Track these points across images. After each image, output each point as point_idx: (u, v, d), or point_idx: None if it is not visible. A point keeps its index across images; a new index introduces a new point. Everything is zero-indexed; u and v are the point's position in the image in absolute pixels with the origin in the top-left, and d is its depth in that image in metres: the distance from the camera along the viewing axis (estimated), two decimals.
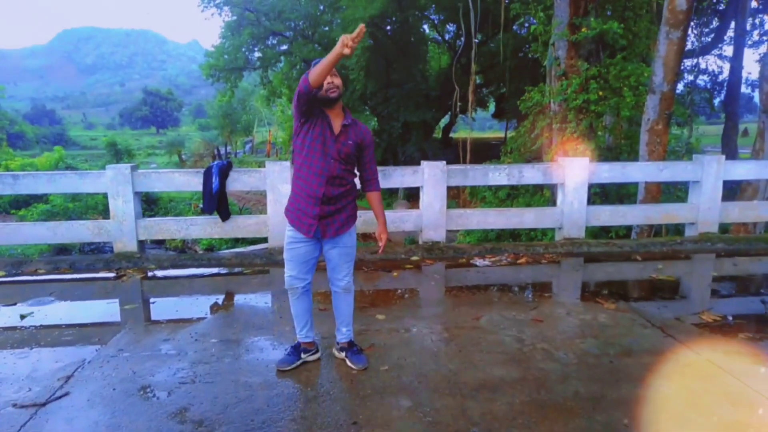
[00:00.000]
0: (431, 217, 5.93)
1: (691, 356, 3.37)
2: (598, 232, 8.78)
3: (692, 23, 13.19)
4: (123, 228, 5.65)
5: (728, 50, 16.83)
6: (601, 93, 9.53)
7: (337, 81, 2.97)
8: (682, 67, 10.91)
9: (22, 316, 4.16)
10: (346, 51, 2.61)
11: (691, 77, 15.89)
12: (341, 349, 3.34)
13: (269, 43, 22.18)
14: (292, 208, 3.14)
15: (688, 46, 13.81)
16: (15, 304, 4.48)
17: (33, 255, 13.35)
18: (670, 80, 7.85)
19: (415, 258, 5.70)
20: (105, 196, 5.74)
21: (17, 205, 23.23)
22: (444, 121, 27.49)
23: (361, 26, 2.64)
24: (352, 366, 3.22)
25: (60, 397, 2.92)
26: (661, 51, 7.78)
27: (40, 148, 55.16)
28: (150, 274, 5.35)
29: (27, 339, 3.74)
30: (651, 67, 8.35)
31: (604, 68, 9.75)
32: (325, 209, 3.04)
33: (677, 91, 9.87)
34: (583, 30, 9.55)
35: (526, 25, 19.47)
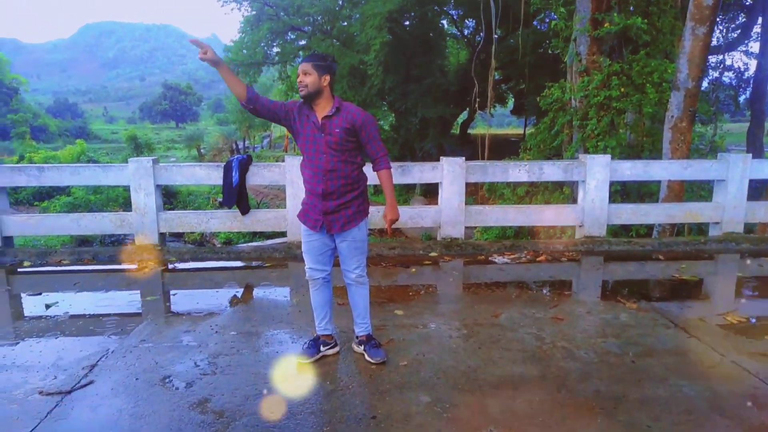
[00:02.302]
0: (450, 213, 5.90)
1: (715, 358, 3.32)
2: (618, 231, 8.67)
3: (718, 19, 12.92)
4: (145, 220, 5.72)
5: (755, 46, 16.48)
6: (623, 89, 9.38)
7: (307, 79, 2.95)
8: (707, 64, 10.70)
9: (48, 306, 4.24)
10: (200, 56, 2.89)
11: (716, 74, 15.58)
12: (360, 343, 3.35)
13: (288, 38, 22.22)
14: (303, 203, 3.20)
15: (714, 42, 13.55)
16: (40, 293, 4.56)
17: (55, 246, 13.58)
18: (695, 77, 7.70)
19: (433, 254, 5.69)
20: (126, 189, 5.82)
21: (40, 197, 23.66)
22: (462, 117, 27.34)
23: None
24: (370, 360, 3.23)
25: (85, 386, 2.97)
26: (686, 47, 7.63)
27: (63, 141, 56.02)
28: (170, 266, 5.42)
29: (52, 328, 3.81)
30: (675, 63, 8.20)
31: (626, 64, 9.59)
32: (328, 205, 3.05)
33: (702, 88, 9.67)
34: (605, 25, 9.40)
35: (547, 20, 19.26)
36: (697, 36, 7.50)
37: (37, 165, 5.85)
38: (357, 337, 3.38)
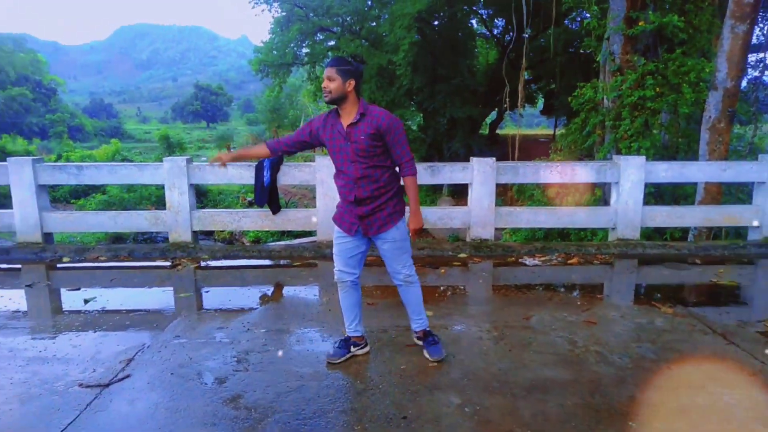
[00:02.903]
0: (480, 214, 5.86)
1: (755, 365, 3.22)
2: (652, 234, 8.48)
3: (759, 16, 12.50)
4: (178, 219, 5.84)
5: None
6: (658, 89, 9.17)
7: (332, 85, 2.93)
8: (746, 63, 10.35)
9: (86, 301, 4.37)
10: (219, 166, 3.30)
11: (756, 73, 15.07)
12: (418, 338, 3.38)
13: (317, 38, 22.39)
14: (338, 207, 3.22)
15: (754, 40, 13.11)
16: (79, 288, 4.70)
17: (90, 242, 13.97)
18: (734, 76, 7.49)
19: (462, 255, 5.66)
20: (159, 187, 5.96)
21: (77, 195, 24.39)
22: (491, 117, 27.13)
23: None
24: (428, 357, 3.25)
25: (122, 379, 3.05)
26: (725, 45, 7.43)
27: (98, 141, 57.55)
28: (203, 263, 5.52)
29: (90, 322, 3.92)
30: (713, 62, 7.98)
31: (661, 63, 9.38)
32: (362, 210, 3.06)
33: (741, 88, 9.38)
34: (640, 24, 9.21)
35: (578, 19, 18.96)
36: (736, 34, 7.30)
37: (76, 164, 6.03)
38: (414, 332, 3.40)
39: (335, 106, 3.05)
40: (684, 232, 8.54)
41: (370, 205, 3.05)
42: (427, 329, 3.36)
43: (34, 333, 3.74)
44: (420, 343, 3.36)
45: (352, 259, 3.20)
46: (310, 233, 10.65)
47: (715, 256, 5.71)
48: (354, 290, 3.26)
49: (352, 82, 2.96)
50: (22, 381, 3.04)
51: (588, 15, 11.06)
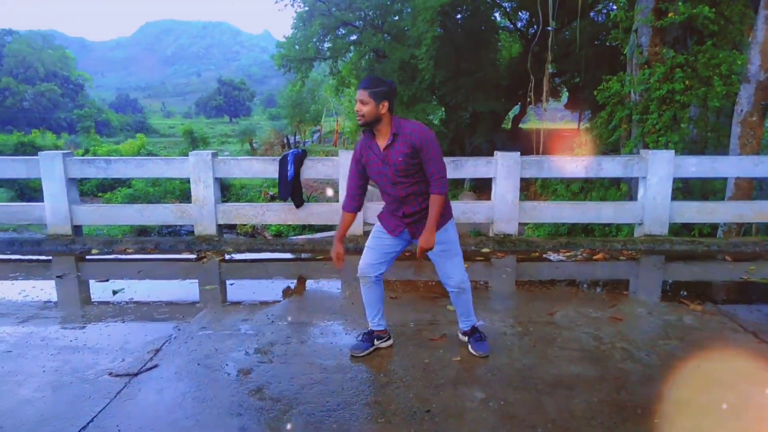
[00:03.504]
0: (504, 209, 5.82)
1: None
2: (679, 230, 8.32)
3: None
4: (203, 212, 5.91)
5: None
6: (687, 82, 8.96)
7: (365, 108, 2.87)
8: None
9: (115, 292, 4.46)
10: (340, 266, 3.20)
11: None
12: (464, 334, 3.38)
13: (339, 33, 22.41)
14: (384, 208, 3.22)
15: None
16: (107, 280, 4.80)
17: (116, 235, 14.26)
18: None
19: (485, 250, 5.63)
20: (184, 181, 6.04)
21: (103, 189, 24.90)
22: (513, 111, 26.84)
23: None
24: (473, 352, 3.25)
25: (150, 369, 3.11)
26: (759, 37, 7.22)
27: (124, 135, 58.66)
28: (227, 256, 5.58)
29: (119, 313, 4.00)
30: (745, 54, 7.77)
31: (691, 56, 9.16)
32: (409, 220, 3.09)
33: None
34: (669, 15, 9.00)
35: (604, 11, 18.62)
36: None
37: (104, 158, 6.16)
38: (461, 330, 3.40)
39: (368, 129, 2.99)
40: (713, 228, 8.36)
41: (419, 214, 3.06)
42: (475, 325, 3.35)
43: (65, 323, 3.83)
44: (465, 338, 3.36)
45: (385, 255, 3.20)
46: (332, 227, 10.70)
47: (746, 253, 5.58)
48: (377, 286, 3.25)
49: (386, 104, 2.89)
50: (54, 369, 3.12)
51: (615, 7, 10.87)
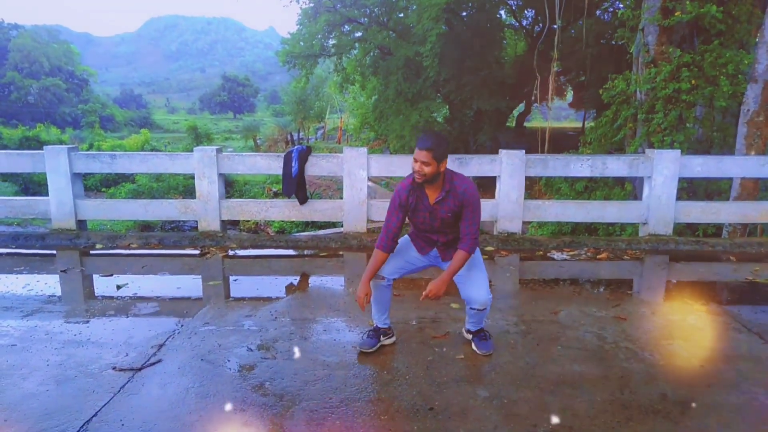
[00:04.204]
0: (508, 207, 5.81)
1: None
2: (683, 230, 8.29)
3: None
4: (208, 208, 5.92)
5: None
6: (693, 81, 8.93)
7: (426, 169, 2.87)
8: None
9: (119, 287, 4.47)
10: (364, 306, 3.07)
11: None
12: (468, 332, 3.40)
13: (344, 29, 22.39)
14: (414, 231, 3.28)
15: None
16: (111, 275, 4.81)
17: (120, 230, 14.30)
18: None
19: (489, 248, 5.62)
20: (187, 177, 6.05)
21: (107, 184, 24.95)
22: (518, 109, 26.79)
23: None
24: (476, 350, 3.26)
25: (154, 364, 3.12)
26: (767, 36, 7.17)
27: (128, 131, 58.62)
28: (231, 252, 5.59)
29: (123, 308, 4.01)
30: (753, 53, 7.73)
31: (698, 55, 9.12)
32: (442, 244, 3.18)
33: None
34: (677, 14, 8.97)
35: (611, 9, 18.55)
36: None
37: (109, 153, 6.16)
38: (467, 330, 3.41)
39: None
40: (717, 228, 8.33)
41: (453, 241, 3.14)
42: (482, 326, 3.36)
43: (69, 317, 3.84)
44: (469, 336, 3.38)
45: (405, 264, 3.25)
46: (335, 224, 10.70)
47: (751, 253, 5.56)
48: (386, 290, 3.27)
49: (446, 162, 2.95)
50: (58, 363, 3.13)
51: (621, 5, 10.82)
